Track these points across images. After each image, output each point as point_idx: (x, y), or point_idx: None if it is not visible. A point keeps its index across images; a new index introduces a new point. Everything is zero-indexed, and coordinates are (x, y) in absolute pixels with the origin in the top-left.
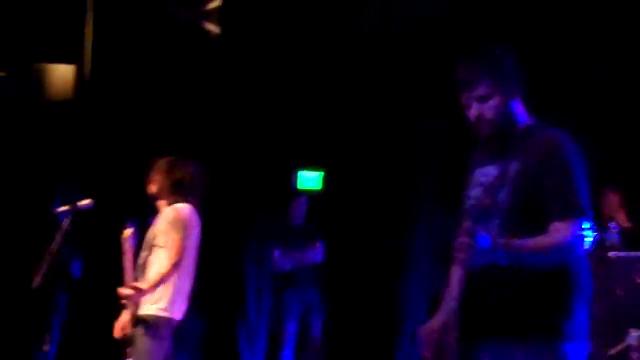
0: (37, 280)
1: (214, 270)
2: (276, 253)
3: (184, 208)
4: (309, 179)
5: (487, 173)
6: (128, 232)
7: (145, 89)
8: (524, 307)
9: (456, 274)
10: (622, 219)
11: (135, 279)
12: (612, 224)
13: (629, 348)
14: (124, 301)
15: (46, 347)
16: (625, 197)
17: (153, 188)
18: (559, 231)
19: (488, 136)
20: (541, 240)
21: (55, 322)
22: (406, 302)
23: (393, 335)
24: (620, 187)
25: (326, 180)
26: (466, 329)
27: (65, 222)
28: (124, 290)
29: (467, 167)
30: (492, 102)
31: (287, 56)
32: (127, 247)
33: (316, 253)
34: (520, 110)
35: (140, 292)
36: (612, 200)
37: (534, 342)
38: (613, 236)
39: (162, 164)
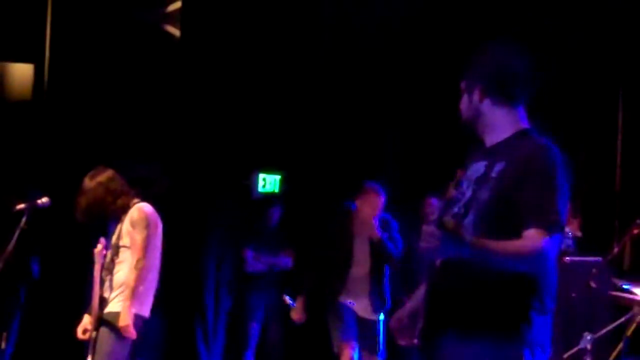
0: None
1: (172, 270)
2: (249, 254)
3: (146, 207)
4: (268, 182)
5: (477, 169)
6: (100, 246)
7: (104, 89)
8: (485, 305)
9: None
10: (574, 228)
11: (102, 282)
12: (567, 229)
13: (583, 351)
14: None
15: (3, 345)
16: (577, 207)
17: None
18: (532, 239)
19: (464, 126)
20: (511, 245)
21: (13, 321)
22: None
23: None
24: (576, 197)
25: (284, 183)
26: (429, 319)
27: (23, 221)
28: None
29: (465, 159)
30: (466, 98)
31: (246, 59)
32: (98, 259)
33: (288, 259)
34: (514, 115)
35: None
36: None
37: (491, 341)
38: (568, 241)
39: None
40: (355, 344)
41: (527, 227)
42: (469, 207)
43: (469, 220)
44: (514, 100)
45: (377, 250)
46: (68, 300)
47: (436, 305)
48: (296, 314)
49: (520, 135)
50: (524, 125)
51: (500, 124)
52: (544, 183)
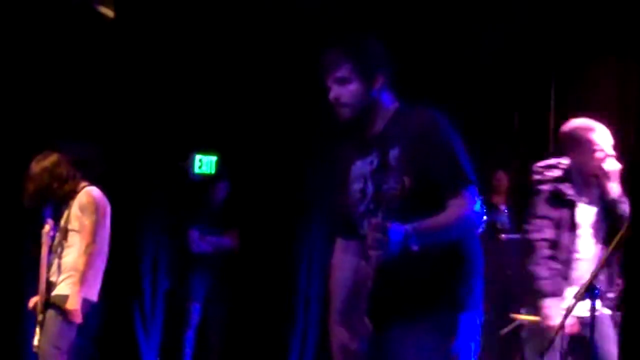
0: None
1: (110, 251)
2: (195, 234)
3: (94, 191)
4: (204, 163)
5: (367, 162)
6: (48, 226)
7: (37, 70)
8: (429, 285)
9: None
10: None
11: (49, 265)
12: (503, 206)
13: (519, 327)
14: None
15: None
16: (512, 179)
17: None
18: (457, 205)
19: (348, 121)
20: (444, 217)
21: None
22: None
23: (290, 323)
24: (509, 169)
25: (219, 164)
26: (375, 317)
27: None
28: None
29: (339, 162)
30: (352, 87)
31: (182, 39)
32: (46, 240)
33: (233, 239)
34: (386, 96)
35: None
36: (502, 182)
37: (437, 316)
38: (503, 218)
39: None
40: None
41: (446, 197)
42: (379, 201)
43: (383, 213)
44: (390, 83)
45: None
46: (8, 282)
47: (384, 302)
48: None
49: (398, 115)
50: (396, 104)
51: (386, 109)
52: (444, 150)
